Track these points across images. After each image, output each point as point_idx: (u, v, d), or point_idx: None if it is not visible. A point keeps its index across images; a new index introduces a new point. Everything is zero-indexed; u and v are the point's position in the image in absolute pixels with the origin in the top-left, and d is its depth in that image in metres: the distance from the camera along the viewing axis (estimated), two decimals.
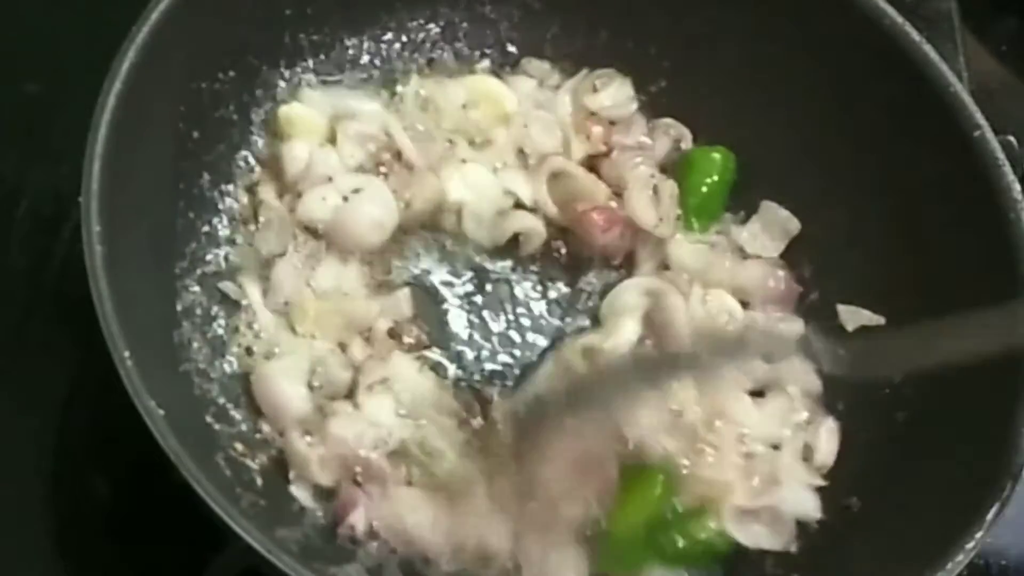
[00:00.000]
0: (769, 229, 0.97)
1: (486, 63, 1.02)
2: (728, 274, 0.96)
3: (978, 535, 0.75)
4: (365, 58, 0.99)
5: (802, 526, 0.86)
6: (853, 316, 0.92)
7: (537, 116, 0.99)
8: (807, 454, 0.89)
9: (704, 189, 0.97)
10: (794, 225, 0.96)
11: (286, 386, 0.85)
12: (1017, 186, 0.85)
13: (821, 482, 0.87)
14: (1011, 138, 0.94)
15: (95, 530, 0.87)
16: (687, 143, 1.01)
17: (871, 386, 0.88)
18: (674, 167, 0.99)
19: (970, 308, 0.85)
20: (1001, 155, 0.86)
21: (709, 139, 1.00)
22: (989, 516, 0.75)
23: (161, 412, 0.69)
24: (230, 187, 0.92)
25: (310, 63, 0.96)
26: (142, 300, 0.76)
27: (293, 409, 0.85)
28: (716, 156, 0.98)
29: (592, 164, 1.00)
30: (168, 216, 0.85)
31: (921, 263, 0.90)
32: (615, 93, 1.01)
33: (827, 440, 0.89)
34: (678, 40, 1.00)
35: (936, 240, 0.90)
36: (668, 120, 1.01)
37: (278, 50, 0.94)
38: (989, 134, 0.87)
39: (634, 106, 1.01)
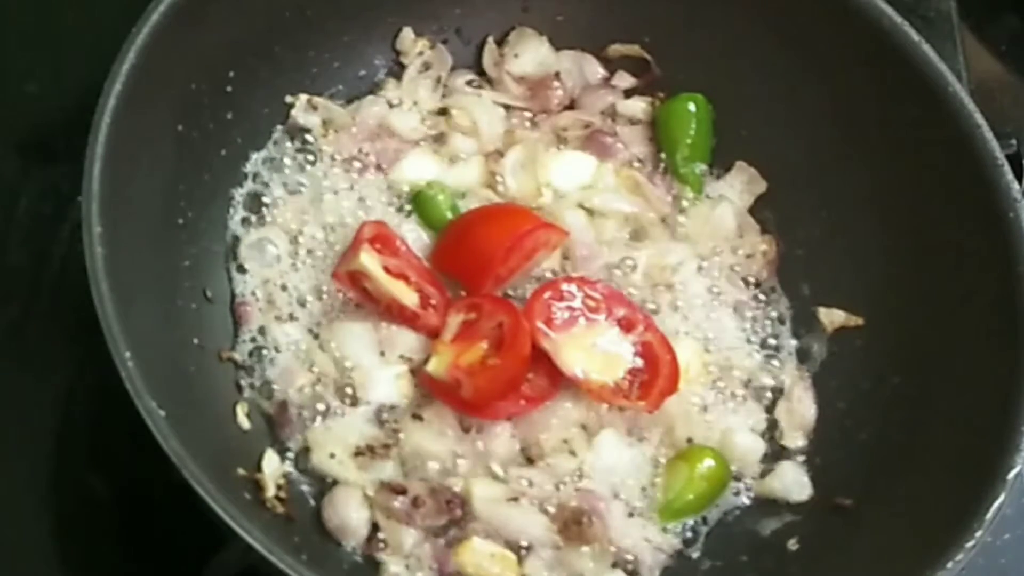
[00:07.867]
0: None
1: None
2: None
3: (978, 534, 0.75)
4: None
5: (802, 525, 0.86)
6: (831, 317, 0.93)
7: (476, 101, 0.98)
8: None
9: (688, 140, 0.98)
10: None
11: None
12: (1016, 186, 0.85)
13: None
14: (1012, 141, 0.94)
15: (95, 530, 0.87)
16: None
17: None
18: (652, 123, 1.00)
19: (968, 308, 0.86)
20: (1000, 155, 0.86)
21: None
22: (989, 515, 0.75)
23: (162, 413, 0.69)
24: (233, 188, 0.92)
25: (312, 67, 0.96)
26: (143, 301, 0.76)
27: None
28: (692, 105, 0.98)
29: None
30: (169, 217, 0.85)
31: (920, 263, 0.90)
32: (534, 55, 1.00)
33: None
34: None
35: (935, 239, 0.90)
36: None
37: (279, 52, 0.94)
38: (989, 134, 0.87)
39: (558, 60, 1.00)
